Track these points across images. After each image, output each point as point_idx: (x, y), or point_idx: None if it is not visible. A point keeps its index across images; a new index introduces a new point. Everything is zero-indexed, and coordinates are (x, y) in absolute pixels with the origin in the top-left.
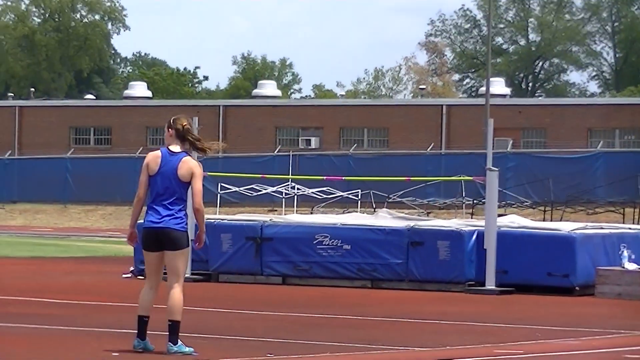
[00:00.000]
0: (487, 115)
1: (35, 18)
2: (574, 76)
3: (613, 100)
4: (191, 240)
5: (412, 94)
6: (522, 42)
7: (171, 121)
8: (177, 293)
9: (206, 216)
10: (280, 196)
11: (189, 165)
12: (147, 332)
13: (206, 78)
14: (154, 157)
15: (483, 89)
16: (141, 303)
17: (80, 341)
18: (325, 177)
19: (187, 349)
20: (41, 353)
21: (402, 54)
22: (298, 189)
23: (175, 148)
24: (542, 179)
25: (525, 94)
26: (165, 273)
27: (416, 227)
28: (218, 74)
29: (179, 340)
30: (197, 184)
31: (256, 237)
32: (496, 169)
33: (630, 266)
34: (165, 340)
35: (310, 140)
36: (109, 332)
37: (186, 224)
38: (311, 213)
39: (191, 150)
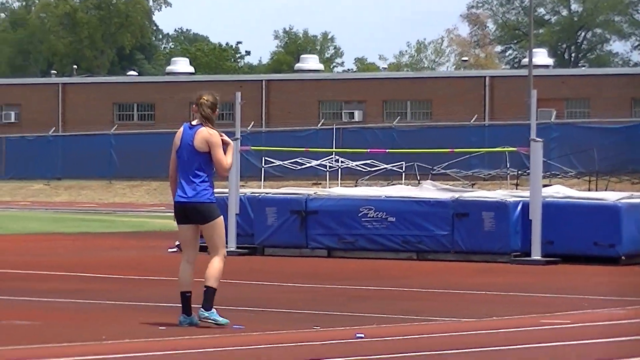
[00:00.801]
0: (530, 86)
1: None
2: (617, 46)
3: None
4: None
5: (454, 66)
6: (564, 12)
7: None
8: (215, 261)
9: (250, 190)
10: (324, 169)
11: (203, 135)
12: (192, 306)
13: (248, 53)
14: (177, 134)
15: (526, 60)
16: (181, 279)
17: (126, 316)
18: (368, 150)
19: (221, 319)
20: (88, 328)
21: (444, 26)
22: (342, 162)
23: (196, 121)
24: (586, 149)
25: (568, 65)
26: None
27: (461, 198)
28: (260, 49)
29: (212, 308)
30: (216, 153)
31: (301, 211)
32: (540, 139)
33: None
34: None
35: (353, 113)
36: (156, 306)
37: (212, 194)
38: (355, 186)
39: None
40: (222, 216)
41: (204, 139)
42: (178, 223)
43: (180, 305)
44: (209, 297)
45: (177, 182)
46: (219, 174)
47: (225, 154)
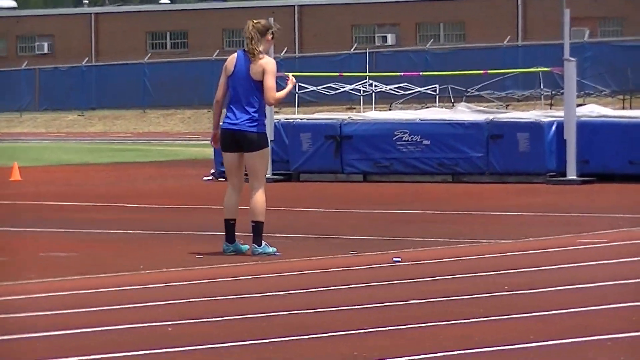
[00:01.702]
0: (563, 5)
1: None
2: None
3: None
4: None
5: None
6: None
7: None
8: (258, 194)
9: (284, 116)
10: (358, 94)
11: (260, 62)
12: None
13: None
14: (230, 59)
15: None
16: (226, 206)
17: (164, 244)
18: (402, 74)
19: (270, 249)
20: (126, 257)
21: None
22: (375, 86)
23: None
24: (620, 68)
25: None
26: (246, 174)
27: (495, 119)
28: None
29: (262, 242)
30: (268, 80)
31: (335, 136)
32: (573, 59)
33: None
34: (250, 242)
35: (386, 37)
36: (193, 234)
37: (264, 124)
38: (389, 110)
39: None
40: (268, 147)
41: (261, 66)
42: (224, 150)
43: (225, 233)
44: (259, 231)
45: (222, 107)
46: (266, 101)
47: (281, 89)
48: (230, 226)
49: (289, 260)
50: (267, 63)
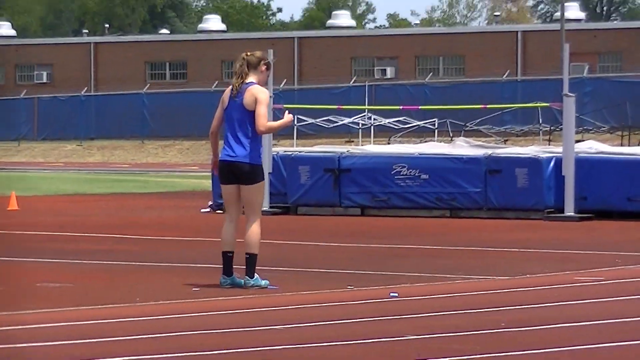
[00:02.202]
0: (563, 40)
1: None
2: None
3: None
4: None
5: (486, 21)
6: None
7: None
8: (254, 226)
9: (283, 149)
10: (357, 127)
11: (252, 92)
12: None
13: (280, 10)
14: (227, 91)
15: (558, 14)
16: (223, 238)
17: (160, 276)
18: (401, 107)
19: (263, 282)
20: (122, 289)
21: None
22: (374, 119)
23: (247, 79)
24: (619, 103)
25: (600, 18)
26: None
27: (494, 154)
28: (292, 6)
29: (255, 274)
30: (259, 108)
31: (334, 169)
32: (573, 94)
33: None
34: (243, 274)
35: (385, 70)
36: (189, 266)
37: (259, 156)
38: (388, 143)
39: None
40: (264, 180)
41: (254, 95)
42: (222, 182)
43: (222, 265)
44: (252, 263)
45: (217, 138)
46: (256, 128)
47: (274, 121)
48: (227, 259)
49: (286, 294)
50: (259, 92)
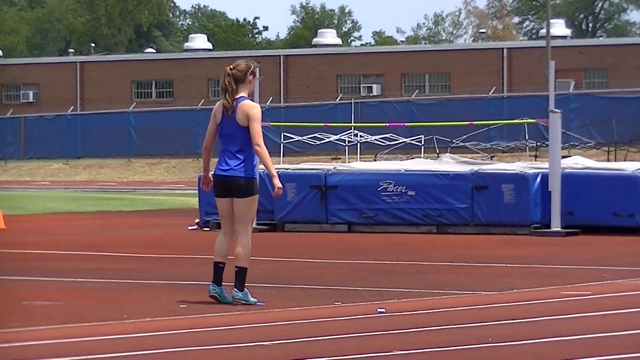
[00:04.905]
0: (549, 57)
1: None
2: (635, 15)
3: None
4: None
5: (472, 38)
6: None
7: None
8: (244, 240)
9: None
10: (343, 144)
11: (244, 108)
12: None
13: (266, 28)
14: (218, 106)
15: (543, 31)
16: (216, 249)
17: (148, 293)
18: (387, 124)
19: (252, 299)
20: (110, 306)
21: None
22: (361, 136)
23: (236, 95)
24: (605, 119)
25: (586, 35)
26: None
27: (480, 171)
28: (277, 24)
29: (245, 288)
30: (253, 125)
31: (320, 186)
32: (559, 110)
33: None
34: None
35: (371, 87)
36: (177, 284)
37: (254, 170)
38: (375, 160)
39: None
40: (257, 195)
41: (245, 112)
42: (216, 196)
43: (213, 275)
44: (242, 277)
45: (210, 153)
46: (253, 145)
47: (262, 152)
48: (218, 269)
49: (273, 310)
50: (251, 108)
